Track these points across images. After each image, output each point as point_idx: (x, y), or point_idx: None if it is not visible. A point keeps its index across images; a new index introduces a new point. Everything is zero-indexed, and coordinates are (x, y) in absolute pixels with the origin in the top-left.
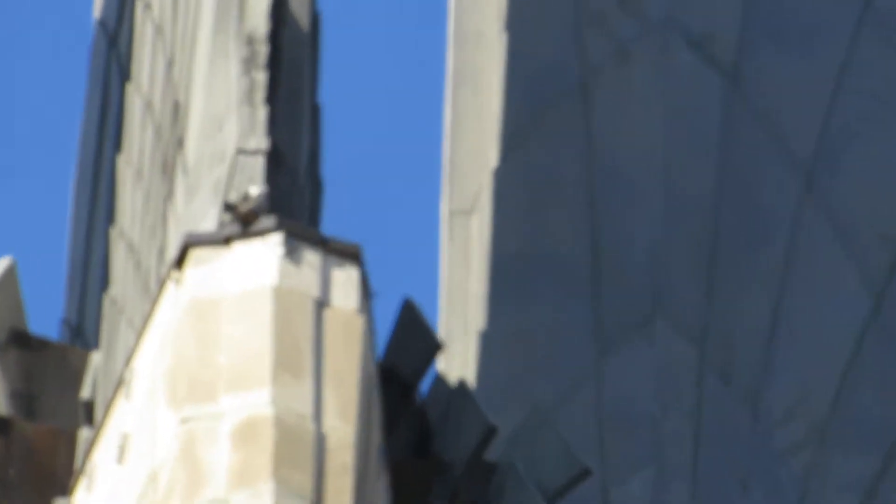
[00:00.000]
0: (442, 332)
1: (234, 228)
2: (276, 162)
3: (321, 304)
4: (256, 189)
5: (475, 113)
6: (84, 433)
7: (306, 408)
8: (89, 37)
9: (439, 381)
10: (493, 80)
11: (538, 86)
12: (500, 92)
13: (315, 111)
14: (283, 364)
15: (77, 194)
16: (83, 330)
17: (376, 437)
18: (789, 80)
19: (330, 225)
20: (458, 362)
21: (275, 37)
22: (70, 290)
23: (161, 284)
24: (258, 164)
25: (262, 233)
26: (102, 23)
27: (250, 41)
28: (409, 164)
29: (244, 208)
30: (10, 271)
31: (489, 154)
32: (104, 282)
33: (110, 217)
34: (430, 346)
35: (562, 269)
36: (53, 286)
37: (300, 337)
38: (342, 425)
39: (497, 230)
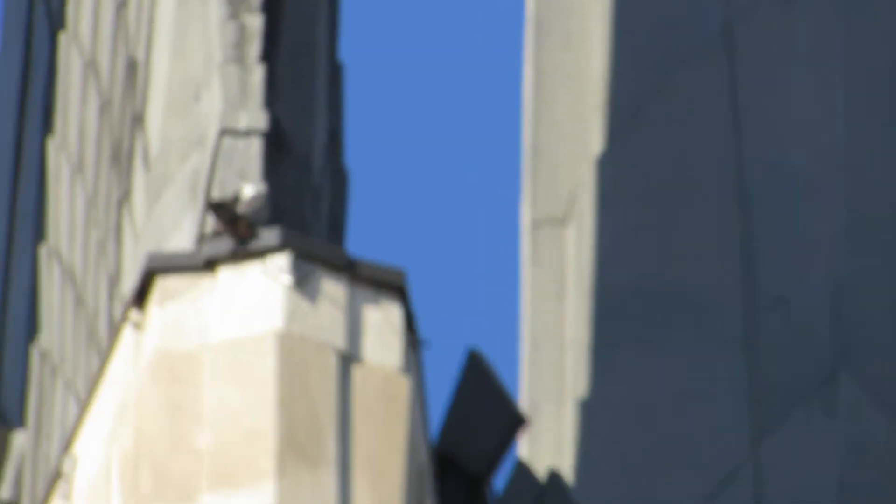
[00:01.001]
0: (525, 398)
1: (220, 246)
2: (280, 147)
3: (348, 358)
4: (251, 188)
5: (568, 77)
6: None
7: None
8: None
9: (521, 471)
10: (594, 28)
11: (662, 37)
12: (604, 46)
13: (335, 73)
14: (293, 448)
15: None
16: (1, 402)
17: None
18: None
19: (360, 241)
20: (548, 444)
21: None
22: None
23: (115, 330)
24: (253, 151)
25: (260, 253)
26: None
27: None
28: (474, 152)
29: (234, 216)
30: None
31: (590, 137)
32: (30, 327)
33: (38, 230)
34: (508, 421)
35: (700, 306)
36: None
37: (318, 407)
38: None
39: (603, 249)
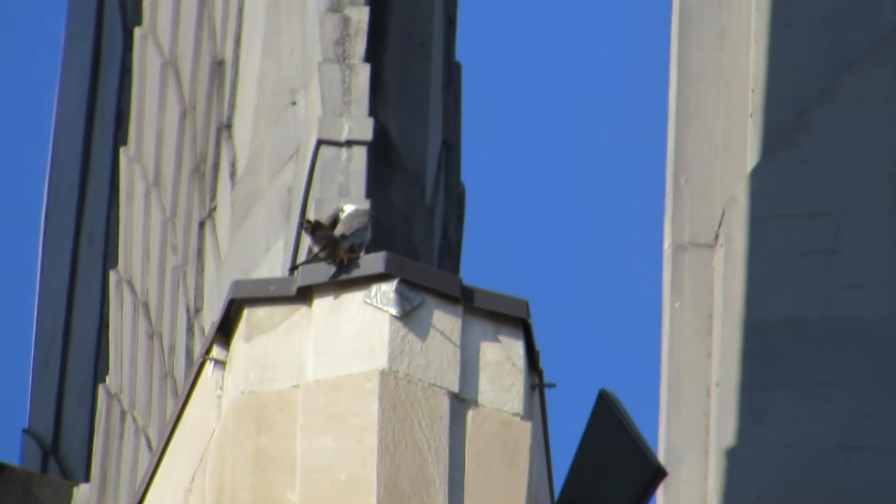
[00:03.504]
0: (664, 445)
1: (316, 273)
2: (388, 160)
3: (462, 401)
4: (353, 207)
5: (719, 79)
6: None
7: None
8: None
9: None
10: (749, 22)
11: (828, 33)
12: (762, 43)
13: (452, 74)
14: (397, 502)
15: (51, 213)
16: (59, 446)
17: None
18: None
19: (478, 267)
20: (689, 497)
21: None
22: (39, 380)
23: (194, 369)
24: (356, 164)
25: (363, 281)
26: None
27: None
28: (611, 164)
29: (332, 240)
30: None
31: (743, 147)
32: (97, 365)
33: (107, 253)
34: (644, 471)
35: (869, 343)
36: (11, 375)
37: (426, 456)
38: None
39: (756, 276)
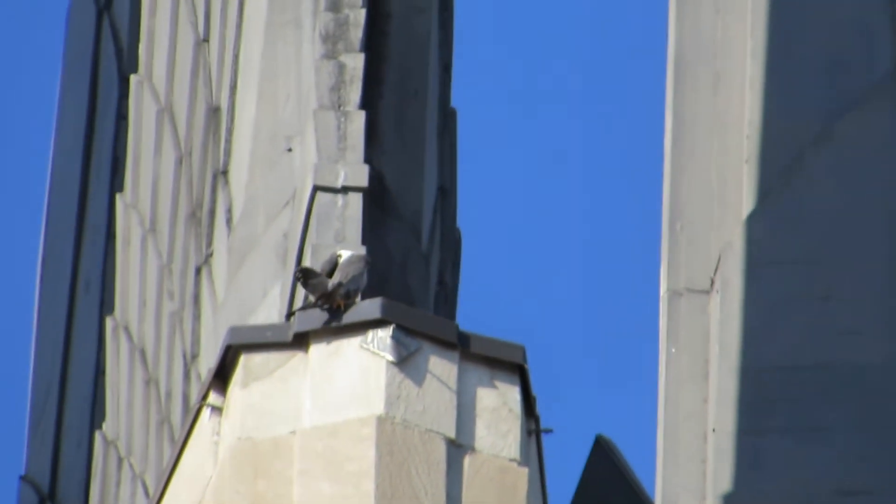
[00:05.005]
0: (660, 492)
1: (313, 319)
2: (383, 206)
3: (459, 447)
4: (349, 252)
5: (714, 124)
6: None
7: None
8: None
9: None
10: (744, 67)
11: (823, 78)
12: (757, 88)
13: (448, 121)
14: None
15: (46, 257)
16: (56, 493)
17: None
18: None
19: (474, 313)
20: None
21: None
22: (35, 426)
23: (191, 415)
24: (352, 210)
25: (359, 327)
26: None
27: (336, 4)
28: (607, 210)
29: (329, 285)
30: None
31: (739, 192)
32: (93, 411)
33: (104, 298)
34: None
35: (864, 389)
36: (8, 421)
37: (423, 502)
38: None
39: (752, 321)
